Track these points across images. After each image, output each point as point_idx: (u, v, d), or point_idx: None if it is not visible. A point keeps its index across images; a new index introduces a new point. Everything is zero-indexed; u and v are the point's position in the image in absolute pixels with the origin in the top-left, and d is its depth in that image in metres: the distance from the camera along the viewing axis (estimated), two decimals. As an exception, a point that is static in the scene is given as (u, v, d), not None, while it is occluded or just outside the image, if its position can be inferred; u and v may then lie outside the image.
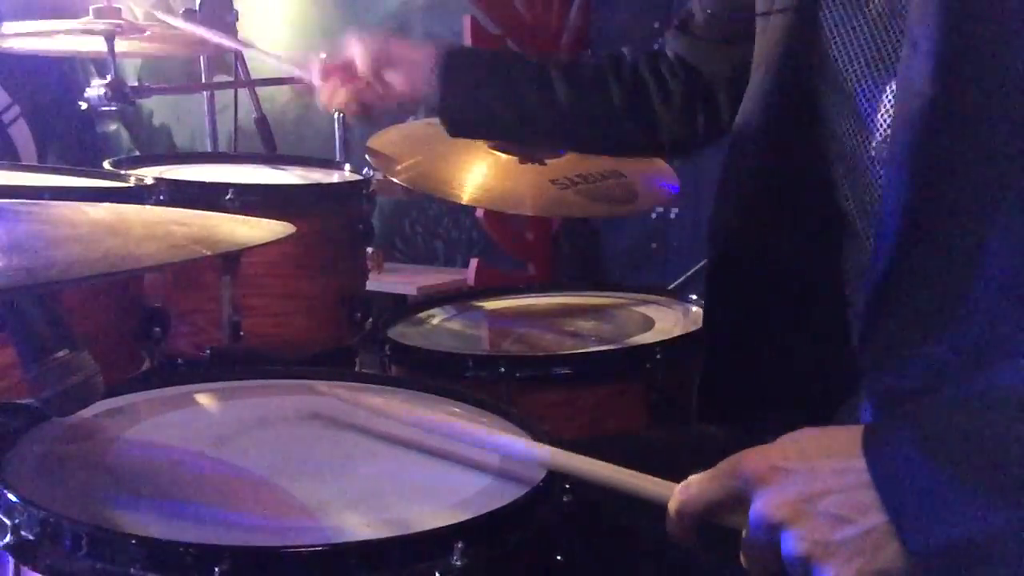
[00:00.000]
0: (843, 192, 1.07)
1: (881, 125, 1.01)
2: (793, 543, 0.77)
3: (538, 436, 1.10)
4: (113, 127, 5.08)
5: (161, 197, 1.61)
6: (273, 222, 1.00)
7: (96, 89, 2.10)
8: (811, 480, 0.78)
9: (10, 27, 2.20)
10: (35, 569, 0.84)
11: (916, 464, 0.77)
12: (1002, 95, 0.87)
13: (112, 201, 1.44)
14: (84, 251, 0.78)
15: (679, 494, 0.84)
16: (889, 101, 1.00)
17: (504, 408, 1.21)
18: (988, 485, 0.75)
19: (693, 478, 0.84)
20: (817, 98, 1.07)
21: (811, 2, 1.07)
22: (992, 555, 0.74)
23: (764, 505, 0.79)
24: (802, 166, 1.10)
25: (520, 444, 1.00)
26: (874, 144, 1.03)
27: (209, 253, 0.87)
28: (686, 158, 1.74)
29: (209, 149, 2.98)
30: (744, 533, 0.81)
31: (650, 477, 0.88)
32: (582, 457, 0.93)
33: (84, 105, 2.13)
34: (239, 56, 2.94)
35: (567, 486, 0.96)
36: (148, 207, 1.49)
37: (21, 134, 4.78)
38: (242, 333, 1.71)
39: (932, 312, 0.93)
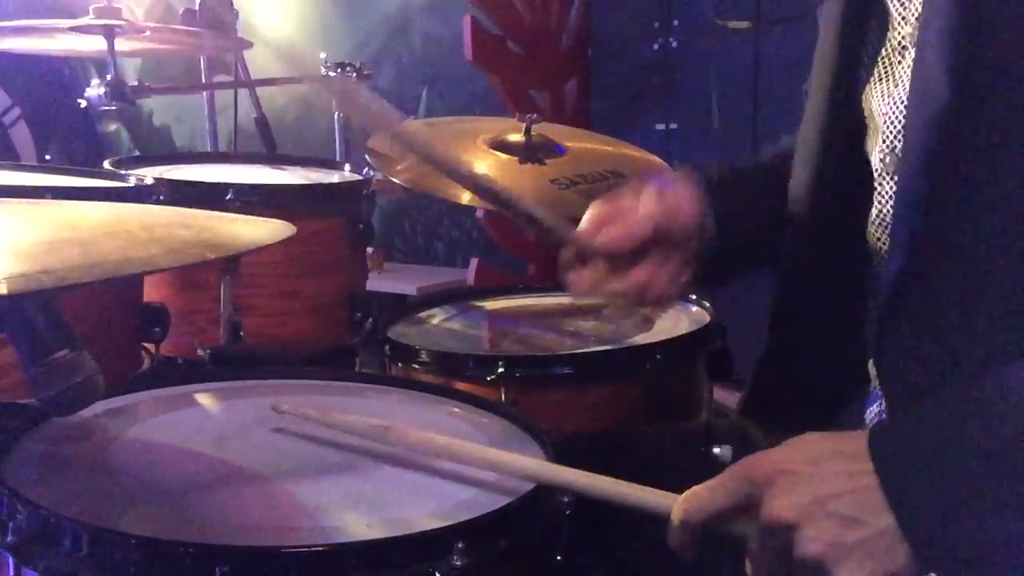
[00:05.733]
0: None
1: (887, 135, 1.01)
2: (806, 545, 0.77)
3: (538, 436, 1.10)
4: (113, 127, 5.08)
5: (161, 197, 1.61)
6: (273, 222, 1.00)
7: (96, 89, 2.10)
8: (820, 482, 0.78)
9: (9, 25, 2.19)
10: (35, 569, 0.84)
11: (922, 468, 0.77)
12: (1018, 100, 0.87)
13: (112, 201, 1.44)
14: (84, 255, 0.78)
15: (683, 503, 0.84)
16: (894, 110, 1.01)
17: (504, 408, 1.21)
18: (996, 493, 0.74)
19: (697, 487, 0.84)
20: (858, 115, 1.07)
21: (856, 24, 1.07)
22: (1001, 562, 0.74)
23: (775, 508, 0.79)
24: (845, 183, 1.10)
25: (512, 459, 0.98)
26: (879, 155, 1.03)
27: (211, 257, 0.87)
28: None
29: (209, 149, 2.98)
30: (753, 539, 0.81)
31: (650, 488, 0.88)
32: (578, 471, 0.92)
33: (84, 104, 2.13)
34: (239, 56, 2.93)
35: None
36: (148, 208, 1.49)
37: (21, 135, 4.79)
38: (242, 333, 1.70)
39: (950, 314, 0.92)
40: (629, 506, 0.88)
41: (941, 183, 0.92)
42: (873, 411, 1.07)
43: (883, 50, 1.04)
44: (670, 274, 1.20)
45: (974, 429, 0.77)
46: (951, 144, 0.91)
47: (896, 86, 1.02)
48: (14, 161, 4.26)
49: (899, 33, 1.02)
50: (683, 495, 0.84)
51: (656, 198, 1.20)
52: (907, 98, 0.98)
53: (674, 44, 3.26)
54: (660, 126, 3.29)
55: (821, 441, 0.82)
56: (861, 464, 0.78)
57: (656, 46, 3.30)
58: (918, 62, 0.95)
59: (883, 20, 1.05)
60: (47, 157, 4.63)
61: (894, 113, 1.01)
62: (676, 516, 0.84)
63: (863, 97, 1.06)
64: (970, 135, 0.90)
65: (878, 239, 1.05)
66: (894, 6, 1.03)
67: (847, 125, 1.08)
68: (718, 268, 1.24)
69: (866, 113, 1.06)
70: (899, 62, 1.02)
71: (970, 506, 0.75)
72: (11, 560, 0.85)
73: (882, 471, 0.77)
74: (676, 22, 3.25)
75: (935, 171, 0.92)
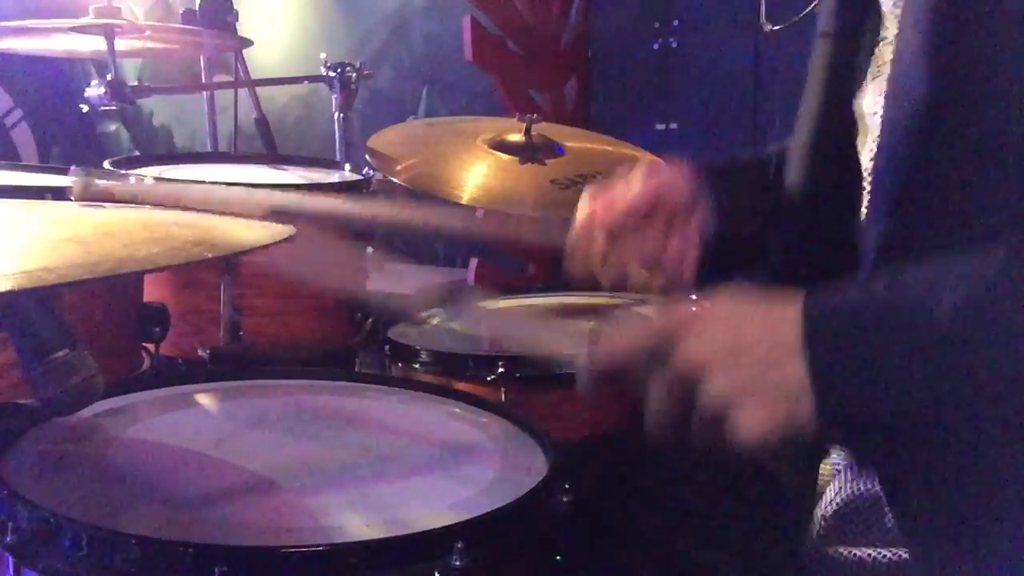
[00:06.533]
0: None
1: (876, 134, 1.01)
2: (715, 384, 0.76)
3: (538, 436, 1.10)
4: (113, 127, 5.08)
5: (161, 197, 1.61)
6: (273, 222, 1.00)
7: (96, 89, 2.10)
8: (741, 327, 0.79)
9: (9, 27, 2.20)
10: (35, 569, 0.84)
11: (845, 330, 0.78)
12: (993, 96, 0.87)
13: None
14: (85, 253, 0.78)
15: (602, 339, 0.82)
16: (881, 108, 1.00)
17: (504, 408, 1.21)
18: (909, 367, 0.75)
19: (611, 328, 0.83)
20: (851, 117, 1.07)
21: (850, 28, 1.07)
22: (894, 430, 0.77)
23: (690, 348, 0.78)
24: (837, 185, 1.10)
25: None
26: (868, 154, 1.03)
27: (210, 255, 0.87)
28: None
29: (209, 149, 2.98)
30: (661, 379, 0.79)
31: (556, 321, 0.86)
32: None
33: (85, 108, 2.13)
34: (239, 56, 2.93)
35: (567, 486, 0.96)
36: (148, 208, 1.49)
37: (23, 136, 4.79)
38: (242, 333, 1.70)
39: None
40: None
41: (915, 179, 0.92)
42: None
43: (876, 49, 1.04)
44: (683, 242, 1.15)
45: (902, 309, 0.78)
46: (927, 138, 0.90)
47: (886, 84, 1.01)
48: (15, 161, 4.26)
49: (890, 32, 1.02)
50: (594, 333, 0.83)
51: (650, 173, 1.17)
52: (887, 94, 0.98)
53: (674, 44, 3.26)
54: (660, 126, 3.28)
55: (748, 295, 0.82)
56: (787, 312, 0.78)
57: (656, 46, 3.29)
58: (897, 56, 0.95)
59: (876, 18, 1.04)
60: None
61: (881, 111, 1.00)
62: (585, 357, 0.82)
63: (857, 97, 1.06)
64: (947, 129, 0.90)
65: (864, 239, 1.04)
66: (885, 3, 1.02)
67: (839, 126, 1.08)
68: (720, 253, 1.20)
69: (858, 114, 1.06)
70: (887, 60, 1.02)
71: (885, 379, 0.76)
72: (11, 560, 0.86)
73: (807, 322, 0.77)
74: (676, 22, 3.25)
75: (909, 167, 0.92)
